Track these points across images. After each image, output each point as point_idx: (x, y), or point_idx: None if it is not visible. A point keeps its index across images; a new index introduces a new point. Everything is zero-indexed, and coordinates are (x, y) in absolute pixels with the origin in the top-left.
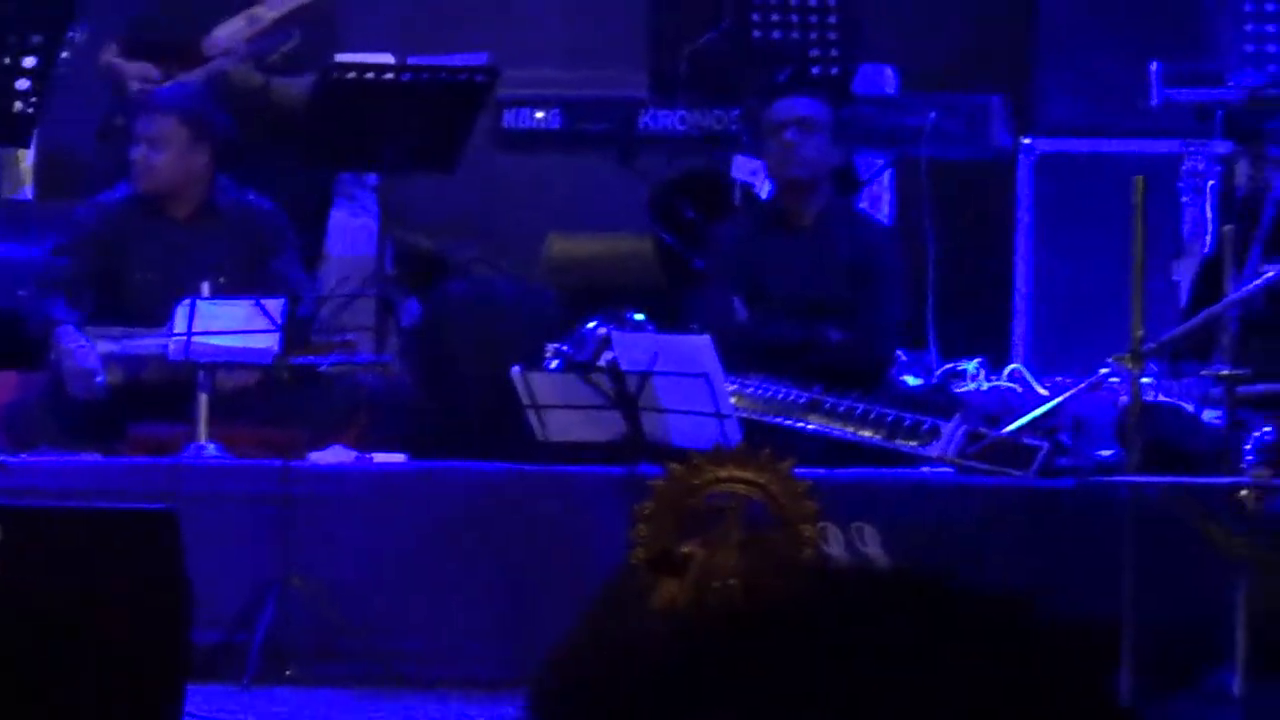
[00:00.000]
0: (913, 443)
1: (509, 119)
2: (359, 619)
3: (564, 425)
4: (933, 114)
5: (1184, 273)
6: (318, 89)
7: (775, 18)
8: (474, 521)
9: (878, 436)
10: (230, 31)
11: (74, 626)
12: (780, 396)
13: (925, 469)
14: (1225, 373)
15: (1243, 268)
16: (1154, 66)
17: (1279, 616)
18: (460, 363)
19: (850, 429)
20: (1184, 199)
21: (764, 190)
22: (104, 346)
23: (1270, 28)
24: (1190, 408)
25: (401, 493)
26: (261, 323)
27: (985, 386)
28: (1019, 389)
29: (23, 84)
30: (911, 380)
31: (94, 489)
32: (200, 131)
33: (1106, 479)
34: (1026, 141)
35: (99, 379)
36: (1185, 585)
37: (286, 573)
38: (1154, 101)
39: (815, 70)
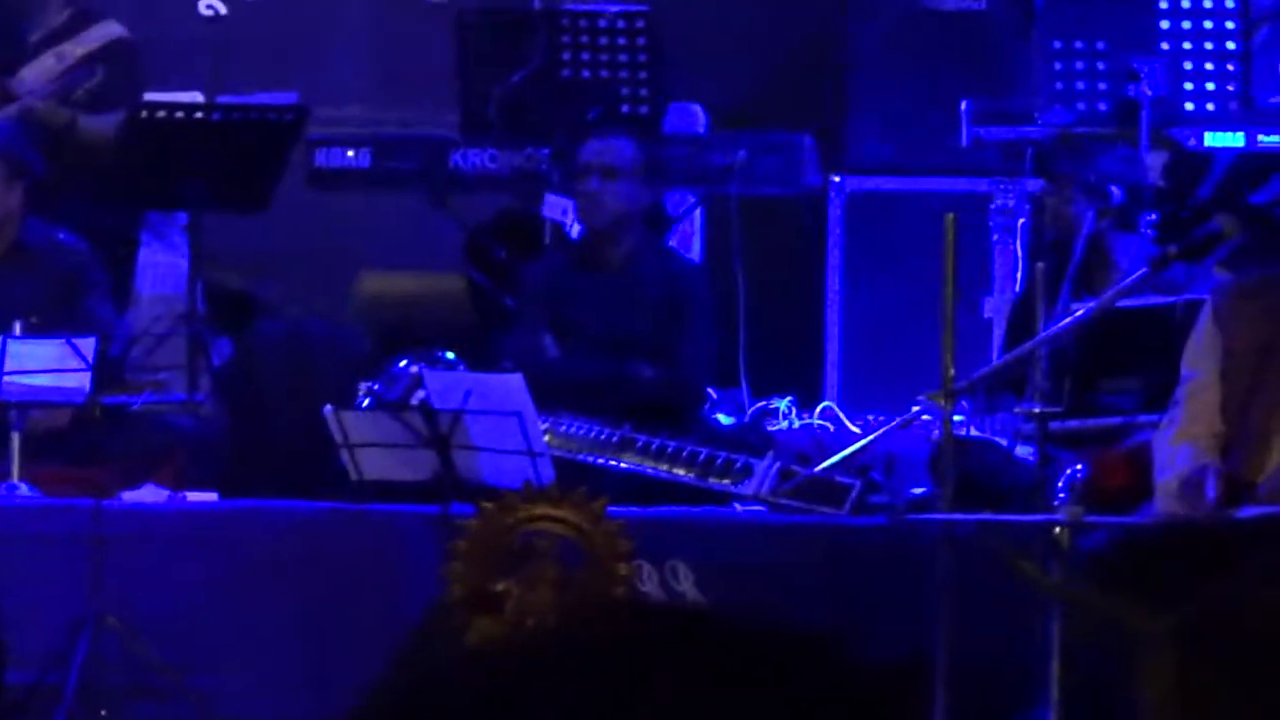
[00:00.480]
0: (725, 481)
1: (320, 158)
2: (173, 658)
3: (377, 464)
4: (742, 152)
5: (995, 310)
6: (126, 128)
7: (585, 57)
8: (287, 560)
9: (690, 475)
10: (38, 71)
11: None
12: (592, 435)
13: (738, 507)
14: (1037, 410)
15: (1053, 305)
16: (963, 105)
17: (1093, 654)
18: (272, 402)
19: (663, 467)
20: (994, 237)
21: (575, 229)
22: None
23: (1078, 65)
24: (1003, 444)
25: (214, 532)
26: (73, 362)
27: (797, 424)
28: (831, 427)
29: None
30: (723, 418)
31: None
32: (14, 170)
33: (919, 517)
34: (837, 179)
35: None
36: (999, 623)
37: (100, 612)
38: (964, 140)
39: (625, 109)
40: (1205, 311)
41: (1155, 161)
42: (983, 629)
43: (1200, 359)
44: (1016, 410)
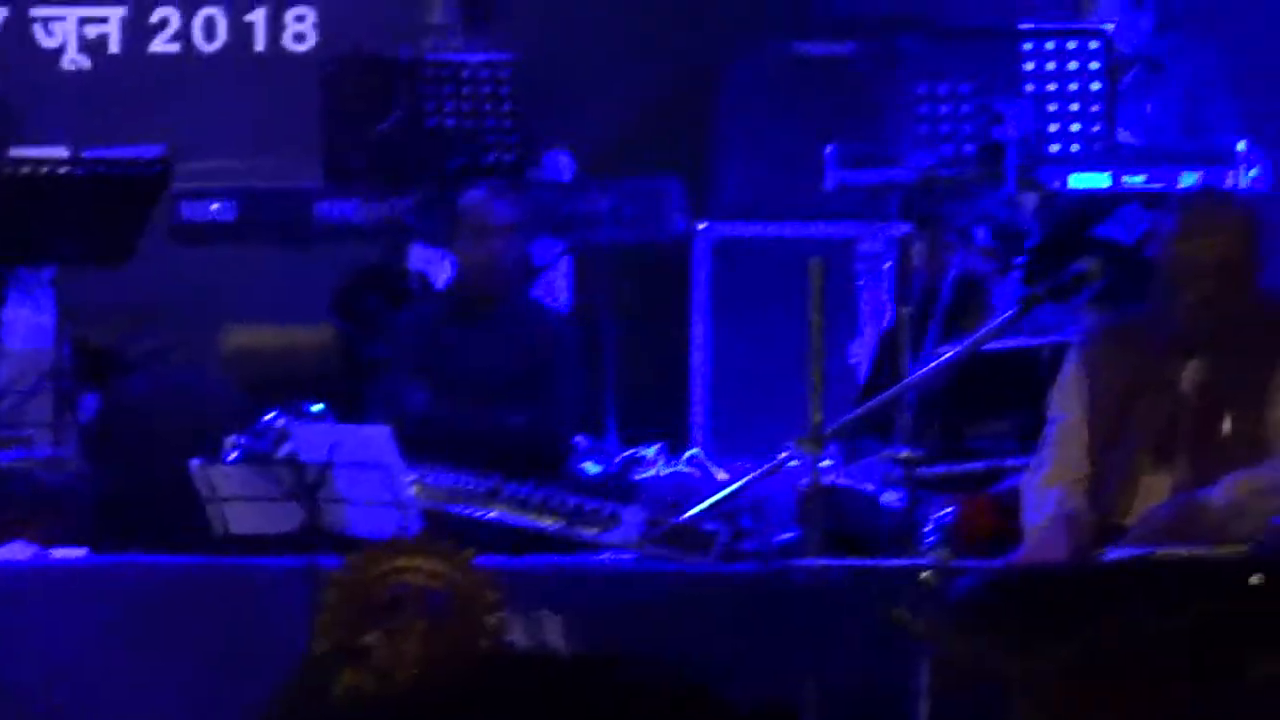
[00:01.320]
0: (594, 529)
1: (185, 210)
2: (42, 715)
3: (244, 518)
4: (609, 199)
5: (861, 354)
6: None
7: (449, 106)
8: (156, 615)
9: (559, 524)
10: None
11: None
12: (460, 485)
13: (607, 555)
14: (904, 454)
15: (920, 349)
16: (829, 149)
17: (961, 699)
18: (140, 456)
19: (531, 516)
20: (860, 281)
21: (441, 279)
22: None
23: (943, 109)
24: (870, 490)
25: (82, 588)
26: None
27: (665, 472)
28: (698, 474)
29: None
30: (591, 467)
31: None
32: None
33: (788, 562)
34: (703, 226)
35: None
36: (867, 668)
37: None
38: (829, 184)
39: (490, 157)
40: (1072, 354)
41: (1028, 203)
42: (852, 674)
43: (1068, 401)
44: (884, 455)
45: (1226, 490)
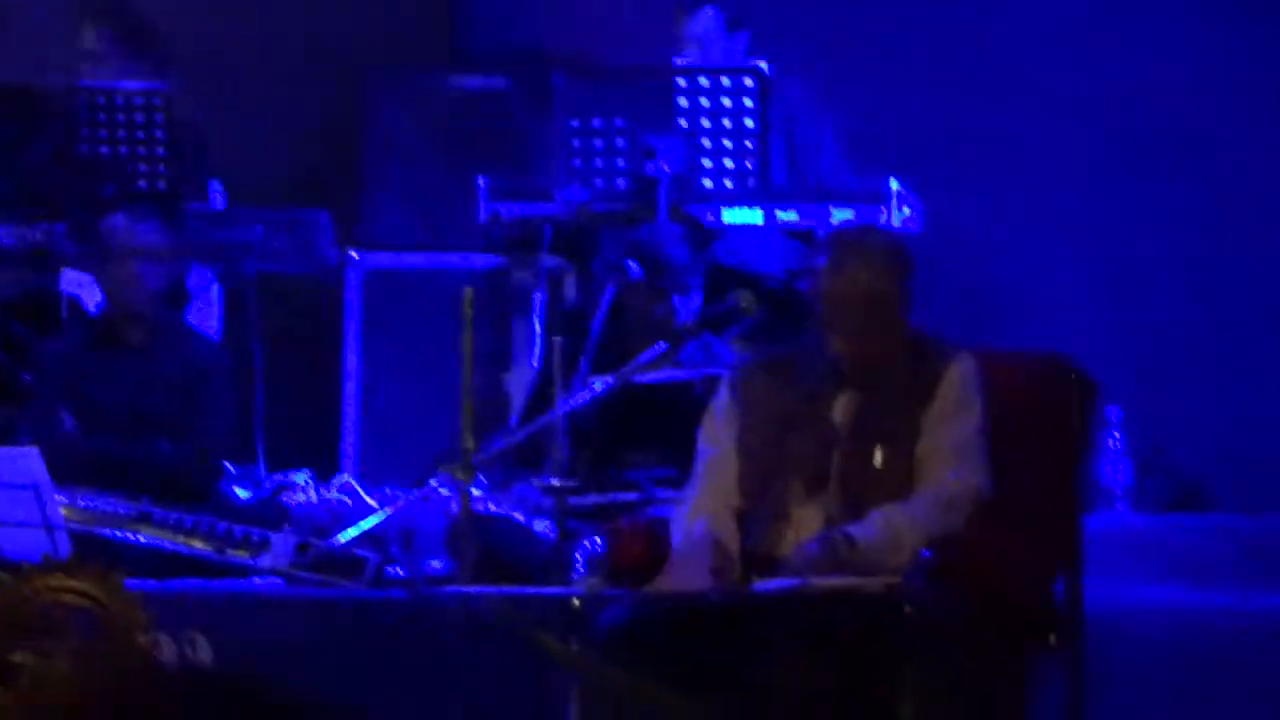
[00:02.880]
0: (243, 554)
1: None
2: None
3: None
4: (259, 229)
5: (513, 385)
6: None
7: (103, 134)
8: None
9: (208, 548)
10: None
11: None
12: (110, 509)
13: (256, 580)
14: (555, 484)
15: (572, 380)
16: (481, 182)
17: None
18: None
19: (180, 540)
20: (513, 312)
21: (92, 304)
22: None
23: (596, 143)
24: (521, 519)
25: None
26: None
27: (315, 498)
28: (349, 500)
29: None
30: (241, 493)
31: None
32: None
33: (438, 590)
34: (354, 256)
35: None
36: (518, 697)
37: None
38: (481, 216)
39: (143, 185)
40: (723, 387)
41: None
42: (502, 704)
43: (718, 434)
44: (535, 484)
45: (875, 524)
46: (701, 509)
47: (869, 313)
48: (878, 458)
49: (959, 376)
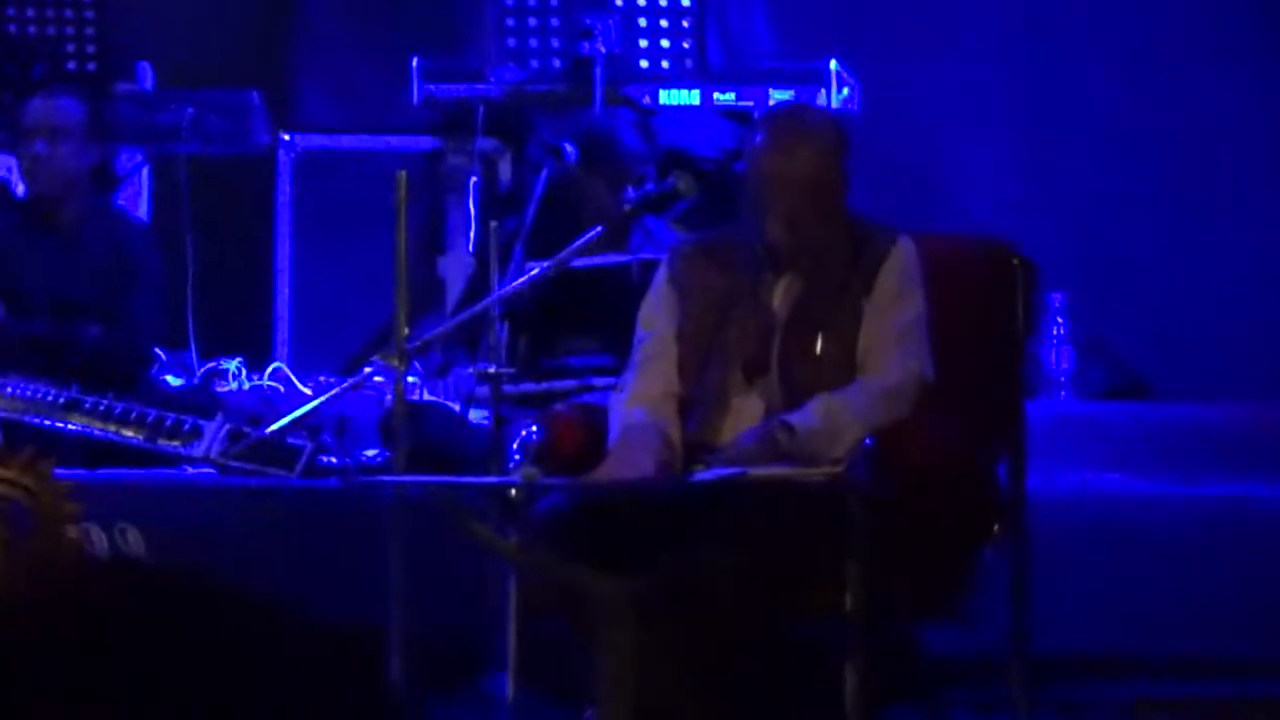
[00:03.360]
0: (175, 443)
1: None
2: None
3: None
4: (190, 110)
5: (448, 270)
6: None
7: (30, 13)
8: None
9: (139, 437)
10: None
11: None
12: (38, 396)
13: (188, 470)
14: (490, 371)
15: (506, 265)
16: (414, 62)
17: (550, 619)
18: None
19: (111, 429)
20: (447, 196)
21: (20, 189)
22: None
23: (531, 22)
24: (456, 408)
25: None
26: None
27: (247, 386)
28: (281, 388)
29: None
30: (173, 380)
31: None
32: None
33: (372, 480)
34: (286, 138)
35: None
36: (455, 588)
37: None
38: (415, 98)
39: (71, 66)
40: (661, 271)
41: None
42: (439, 594)
43: (656, 320)
44: (470, 372)
45: (815, 412)
46: (640, 396)
47: (808, 193)
48: (818, 345)
49: (900, 262)
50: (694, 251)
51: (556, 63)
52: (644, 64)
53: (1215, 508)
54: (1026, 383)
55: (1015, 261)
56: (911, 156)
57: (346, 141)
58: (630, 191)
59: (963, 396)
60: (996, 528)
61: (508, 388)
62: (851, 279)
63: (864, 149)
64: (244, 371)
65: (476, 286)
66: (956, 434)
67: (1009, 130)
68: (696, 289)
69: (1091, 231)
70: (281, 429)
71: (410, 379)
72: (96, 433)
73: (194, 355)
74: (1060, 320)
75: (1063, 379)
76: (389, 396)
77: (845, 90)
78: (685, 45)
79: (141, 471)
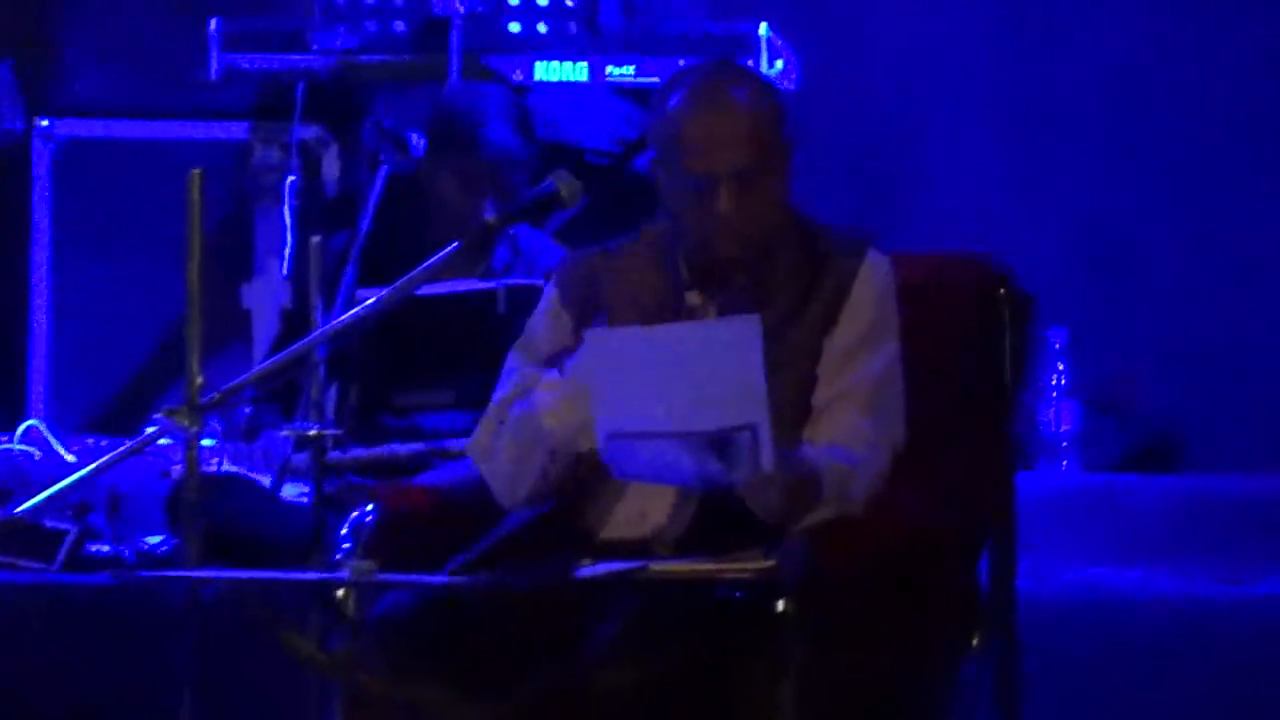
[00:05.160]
0: None
1: None
2: None
3: None
4: None
5: (256, 299)
6: None
7: None
8: None
9: None
10: None
11: None
12: None
13: None
14: (311, 433)
15: (333, 293)
16: (212, 25)
17: None
18: None
19: None
20: (256, 201)
21: None
22: None
23: None
24: (266, 481)
25: None
26: None
27: None
28: (37, 454)
29: None
30: None
31: None
32: None
33: (155, 574)
34: (44, 124)
35: None
36: (263, 713)
37: None
38: (213, 72)
39: None
40: (549, 293)
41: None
42: (245, 713)
43: (545, 347)
44: (284, 434)
45: (825, 481)
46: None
47: (753, 162)
48: None
49: (871, 285)
50: (590, 269)
51: (400, 25)
52: (515, 27)
53: (1264, 610)
54: (1018, 447)
55: (1005, 289)
56: (862, 147)
57: (123, 129)
58: (495, 195)
59: (934, 464)
60: (977, 638)
61: (333, 454)
62: (808, 305)
63: (801, 137)
64: None
65: (293, 321)
66: (926, 513)
67: (991, 116)
68: (600, 314)
69: (1101, 249)
70: (37, 508)
71: (205, 442)
72: None
73: None
74: (1061, 366)
75: (1064, 443)
76: (177, 466)
77: (779, 63)
78: (569, 3)
79: None
